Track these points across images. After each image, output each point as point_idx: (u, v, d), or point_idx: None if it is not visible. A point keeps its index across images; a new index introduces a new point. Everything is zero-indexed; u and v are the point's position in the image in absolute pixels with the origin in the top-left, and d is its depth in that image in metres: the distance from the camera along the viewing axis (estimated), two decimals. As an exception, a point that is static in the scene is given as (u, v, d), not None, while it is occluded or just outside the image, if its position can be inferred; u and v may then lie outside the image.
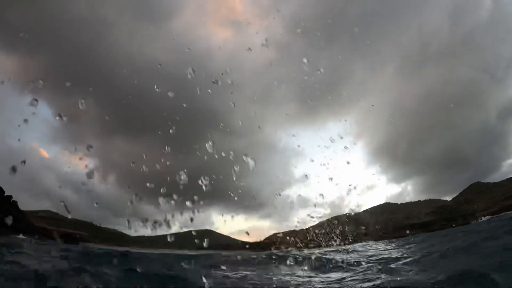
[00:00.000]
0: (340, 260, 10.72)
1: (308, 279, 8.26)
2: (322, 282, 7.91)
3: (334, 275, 8.49)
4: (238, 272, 9.04)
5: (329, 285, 7.45)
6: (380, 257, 11.35)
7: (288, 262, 10.27)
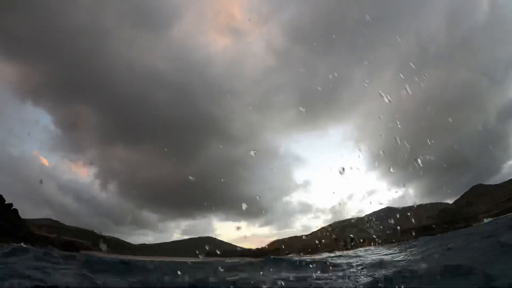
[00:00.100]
0: (344, 263, 10.66)
1: (311, 282, 8.21)
2: (326, 284, 7.86)
3: (338, 280, 8.43)
4: (240, 277, 8.99)
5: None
6: (382, 261, 11.28)
7: (290, 267, 10.22)
